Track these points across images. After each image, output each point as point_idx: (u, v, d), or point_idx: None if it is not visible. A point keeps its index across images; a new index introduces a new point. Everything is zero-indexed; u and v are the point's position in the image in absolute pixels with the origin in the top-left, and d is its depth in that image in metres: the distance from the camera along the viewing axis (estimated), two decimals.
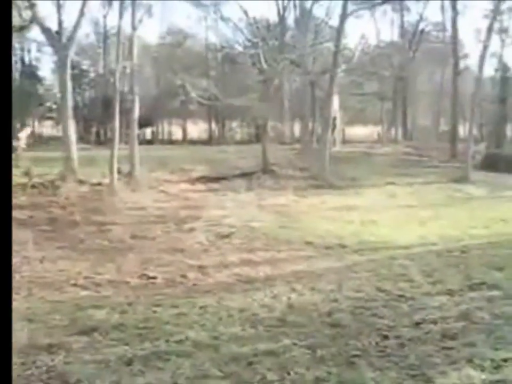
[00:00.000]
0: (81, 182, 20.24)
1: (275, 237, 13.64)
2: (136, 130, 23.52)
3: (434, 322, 7.53)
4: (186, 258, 11.84)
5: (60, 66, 21.42)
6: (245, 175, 23.32)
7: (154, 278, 10.49)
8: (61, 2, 33.78)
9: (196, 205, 18.14)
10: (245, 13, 28.60)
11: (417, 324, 7.47)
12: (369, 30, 50.84)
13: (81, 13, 21.18)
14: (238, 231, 14.27)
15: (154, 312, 8.29)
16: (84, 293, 9.61)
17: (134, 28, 22.20)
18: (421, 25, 43.41)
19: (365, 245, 12.88)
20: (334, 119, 31.59)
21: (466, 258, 11.49)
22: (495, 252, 12.10)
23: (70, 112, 21.39)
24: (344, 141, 38.31)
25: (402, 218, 16.31)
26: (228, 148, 33.82)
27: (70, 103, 21.51)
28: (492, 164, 30.24)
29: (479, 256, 11.72)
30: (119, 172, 21.21)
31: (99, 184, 20.29)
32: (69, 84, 21.34)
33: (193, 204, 18.39)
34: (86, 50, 41.60)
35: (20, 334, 7.35)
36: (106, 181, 20.57)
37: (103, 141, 37.17)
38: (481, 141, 37.78)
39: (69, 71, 21.14)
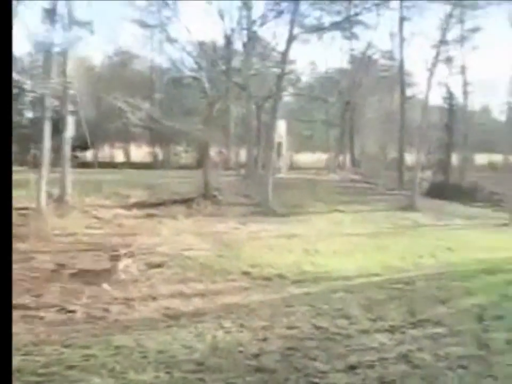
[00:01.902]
0: None
1: (211, 267, 12.75)
2: (69, 152, 22.15)
3: (371, 366, 6.83)
4: (112, 289, 10.87)
5: None
6: (185, 201, 22.39)
7: (73, 312, 9.52)
8: None
9: (129, 232, 17.12)
10: (188, 31, 27.81)
11: (352, 368, 6.73)
12: (318, 57, 50.70)
13: None
14: (171, 260, 13.32)
15: (61, 354, 7.36)
16: None
17: (68, 45, 21.18)
18: (369, 53, 43.50)
19: (305, 275, 12.18)
20: (280, 144, 31.10)
21: (410, 291, 10.90)
22: (441, 284, 11.60)
23: None
24: (292, 168, 37.87)
25: (346, 247, 15.70)
26: (170, 173, 32.87)
27: None
28: (438, 191, 30.32)
29: (423, 289, 11.16)
30: (48, 196, 19.98)
31: (25, 208, 18.99)
32: None
33: (126, 231, 17.38)
34: (27, 69, 40.26)
35: None
36: (34, 205, 19.32)
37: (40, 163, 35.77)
38: (428, 169, 37.90)
39: None
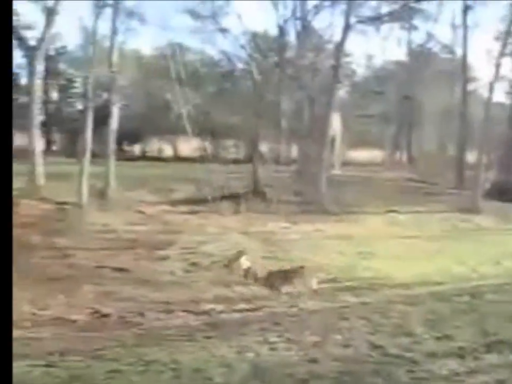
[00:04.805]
0: (44, 199, 18.24)
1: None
2: (114, 145, 21.36)
3: None
4: (151, 292, 10.06)
5: (29, 72, 19.63)
6: (232, 197, 21.23)
7: (107, 315, 8.74)
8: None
9: (173, 229, 16.24)
10: (241, 22, 26.99)
11: None
12: (375, 49, 48.63)
13: (51, 13, 19.31)
14: (216, 260, 12.37)
15: (87, 367, 6.52)
16: (15, 333, 7.82)
17: (114, 33, 20.45)
18: (429, 45, 41.71)
19: (359, 281, 11.14)
20: (333, 140, 29.86)
21: (478, 305, 9.63)
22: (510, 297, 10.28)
23: (35, 120, 19.48)
24: (346, 164, 36.52)
25: (403, 250, 14.54)
26: (219, 167, 32.17)
27: (35, 111, 19.59)
28: (500, 192, 28.49)
29: (492, 303, 9.88)
30: (91, 189, 19.28)
31: (65, 203, 18.31)
32: (36, 91, 19.46)
33: (171, 228, 16.49)
34: (77, 60, 40.02)
35: None
36: (75, 199, 18.65)
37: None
38: (489, 168, 36.03)
39: (37, 76, 19.22)
